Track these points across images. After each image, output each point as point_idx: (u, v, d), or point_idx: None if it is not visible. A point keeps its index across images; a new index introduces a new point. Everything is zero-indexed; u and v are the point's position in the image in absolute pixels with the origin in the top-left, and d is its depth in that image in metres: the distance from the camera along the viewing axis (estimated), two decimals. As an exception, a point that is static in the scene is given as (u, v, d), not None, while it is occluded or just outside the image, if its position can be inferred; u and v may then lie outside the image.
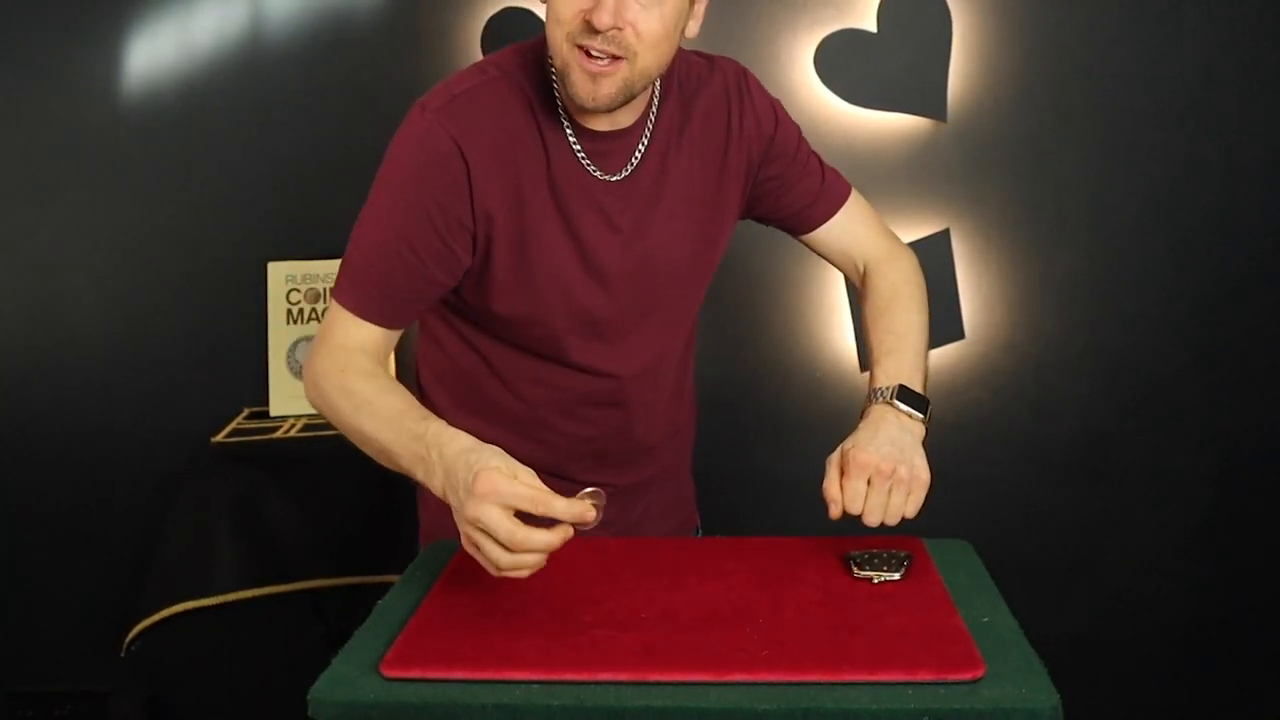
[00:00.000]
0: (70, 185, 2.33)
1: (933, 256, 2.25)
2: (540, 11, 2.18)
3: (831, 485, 1.16)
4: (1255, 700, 2.38)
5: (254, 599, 2.01)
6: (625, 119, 1.26)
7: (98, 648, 2.37)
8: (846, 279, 1.64)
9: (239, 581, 2.00)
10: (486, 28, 2.22)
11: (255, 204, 2.32)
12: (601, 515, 0.99)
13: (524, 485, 0.98)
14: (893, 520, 1.16)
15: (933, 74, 2.20)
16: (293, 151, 2.30)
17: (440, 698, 0.91)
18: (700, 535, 1.61)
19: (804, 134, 1.42)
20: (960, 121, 2.22)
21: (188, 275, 2.34)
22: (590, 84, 1.16)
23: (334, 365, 1.21)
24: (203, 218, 2.33)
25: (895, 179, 2.24)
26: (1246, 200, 2.23)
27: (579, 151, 1.25)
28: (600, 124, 1.25)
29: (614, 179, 1.27)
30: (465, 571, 1.16)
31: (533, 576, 1.13)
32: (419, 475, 1.09)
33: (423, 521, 1.50)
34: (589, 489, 1.01)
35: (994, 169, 2.25)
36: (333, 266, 2.25)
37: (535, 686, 0.91)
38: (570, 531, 0.98)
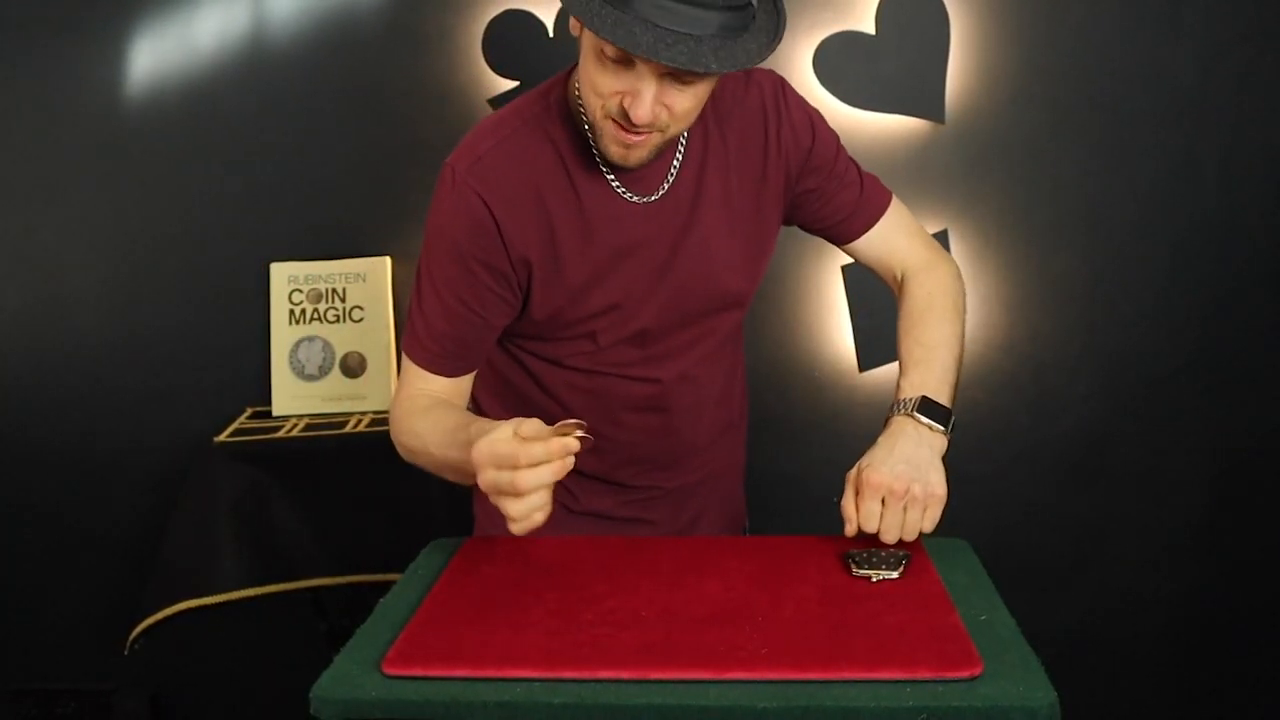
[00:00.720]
0: (75, 186, 2.33)
1: (931, 257, 2.25)
2: (540, 14, 2.21)
3: (848, 504, 1.19)
4: (1251, 698, 2.38)
5: (256, 597, 2.01)
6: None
7: (102, 646, 2.38)
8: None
9: (241, 580, 2.00)
10: (488, 30, 2.22)
11: (258, 205, 2.32)
12: (590, 441, 1.04)
13: (501, 442, 1.03)
14: (910, 537, 1.18)
15: (931, 76, 2.20)
16: (295, 153, 2.30)
17: (441, 695, 0.91)
18: (747, 534, 1.62)
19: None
20: (958, 123, 2.22)
21: (191, 276, 2.34)
22: (623, 149, 1.19)
23: (402, 413, 1.30)
24: (206, 219, 2.33)
25: (893, 180, 2.21)
26: (1243, 201, 2.23)
27: (611, 180, 1.27)
28: None
29: (649, 200, 1.29)
30: (466, 570, 1.16)
31: (534, 575, 1.13)
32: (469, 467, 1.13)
33: (477, 516, 1.52)
34: (567, 421, 1.05)
35: (992, 170, 2.25)
36: (335, 267, 2.28)
37: (536, 684, 0.91)
38: (558, 467, 1.02)
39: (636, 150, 1.19)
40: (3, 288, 2.37)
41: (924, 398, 1.24)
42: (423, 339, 1.30)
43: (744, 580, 1.11)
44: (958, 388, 1.31)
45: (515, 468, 1.01)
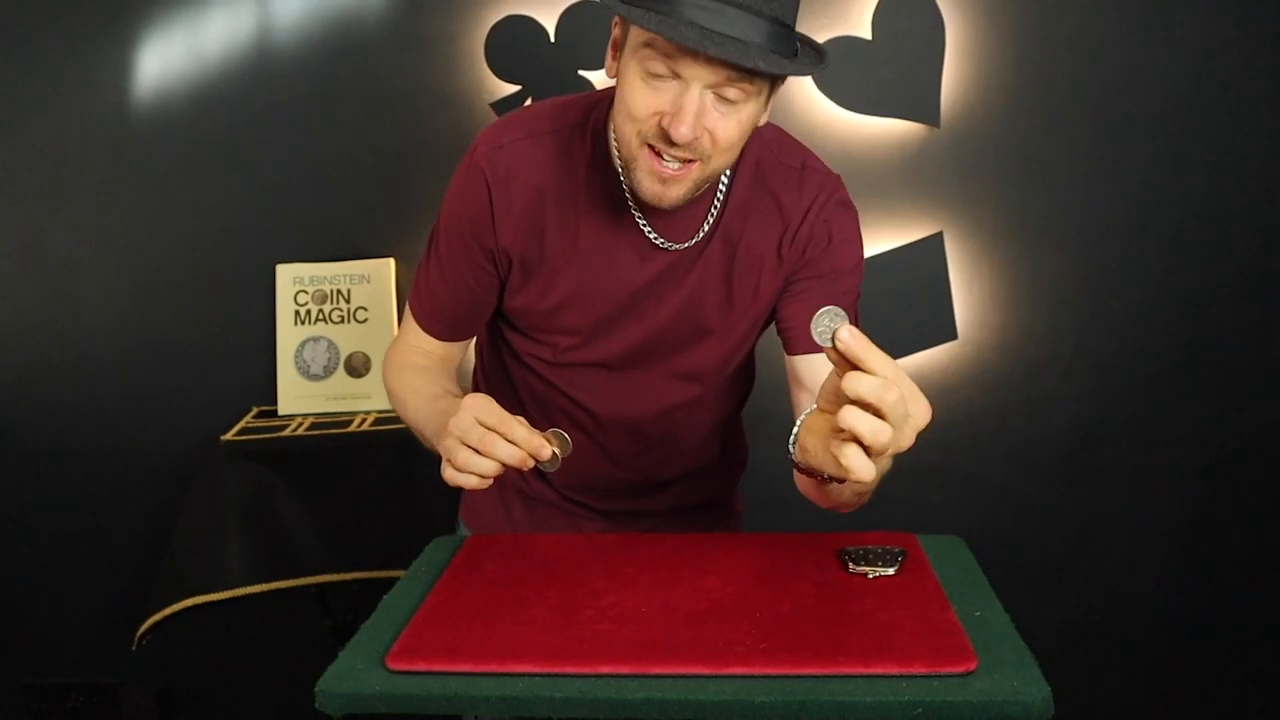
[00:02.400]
0: (84, 189, 2.33)
1: (926, 258, 2.25)
2: (542, 19, 2.20)
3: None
4: (1239, 690, 2.38)
5: (263, 593, 2.01)
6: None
7: (110, 641, 2.38)
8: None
9: (248, 577, 2.00)
10: (490, 35, 2.22)
11: (264, 208, 2.32)
12: (558, 459, 1.09)
13: (496, 405, 1.07)
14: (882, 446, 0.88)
15: (926, 81, 2.20)
16: (300, 156, 2.30)
17: (444, 690, 0.91)
18: None
19: (805, 145, 1.33)
20: (953, 127, 2.22)
21: (198, 278, 2.34)
22: (659, 186, 1.12)
23: (397, 358, 1.37)
24: (213, 222, 2.33)
25: (890, 183, 2.24)
26: (1232, 204, 2.23)
27: (640, 222, 1.23)
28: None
29: (674, 248, 1.24)
30: (468, 567, 1.16)
31: (535, 571, 1.13)
32: (438, 442, 1.15)
33: (462, 518, 1.53)
34: (553, 430, 1.09)
35: (986, 173, 2.24)
36: (339, 269, 2.27)
37: (537, 679, 0.91)
38: (523, 455, 1.06)
39: (673, 186, 1.12)
40: (15, 289, 2.37)
41: None
42: (424, 299, 1.34)
43: (742, 576, 1.11)
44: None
45: (495, 430, 1.05)
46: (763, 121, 1.17)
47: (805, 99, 2.20)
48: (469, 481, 1.07)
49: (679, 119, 1.06)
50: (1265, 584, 2.33)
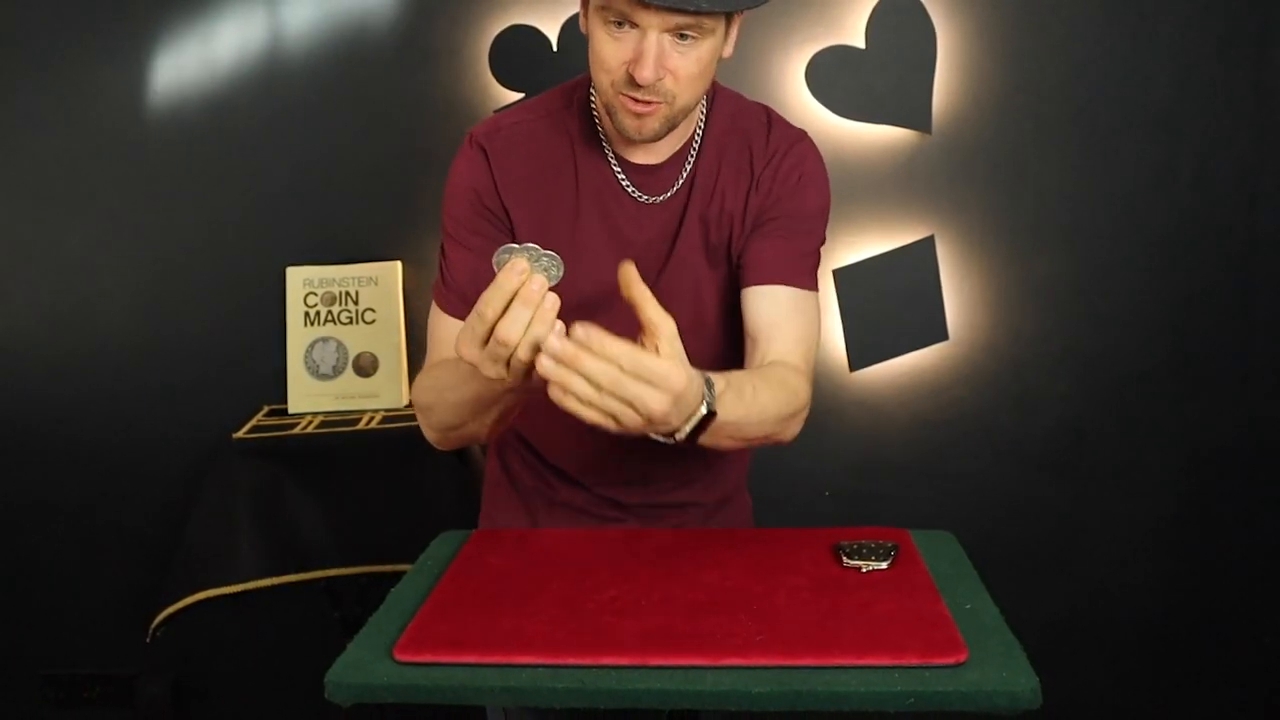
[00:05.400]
0: (100, 194, 2.33)
1: (918, 261, 2.25)
2: (545, 29, 2.20)
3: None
4: (1222, 681, 2.38)
5: (273, 587, 2.01)
6: (666, 149, 1.29)
7: (125, 633, 2.38)
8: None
9: (259, 570, 2.00)
10: (494, 45, 2.22)
11: (274, 212, 2.32)
12: (554, 273, 0.97)
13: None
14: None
15: (918, 88, 2.20)
16: (310, 162, 2.30)
17: (450, 681, 0.91)
18: None
19: None
20: (944, 133, 2.22)
21: (211, 279, 2.34)
22: (636, 120, 1.19)
23: (419, 385, 1.26)
24: (225, 225, 2.33)
25: (882, 188, 2.24)
26: (1215, 208, 2.23)
27: (622, 179, 1.29)
28: (643, 157, 1.29)
29: (656, 200, 1.30)
30: (474, 561, 1.16)
31: (539, 565, 1.13)
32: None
33: (483, 509, 1.51)
34: (537, 249, 0.97)
35: (976, 178, 2.24)
36: (348, 271, 2.28)
37: (541, 670, 0.91)
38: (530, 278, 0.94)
39: (649, 120, 1.18)
40: (31, 291, 2.37)
41: (710, 377, 1.03)
42: (450, 285, 1.29)
43: (740, 570, 1.11)
44: (740, 436, 1.11)
45: (493, 316, 0.95)
46: (727, 53, 1.22)
47: (800, 106, 2.20)
48: (502, 373, 0.97)
49: (641, 64, 1.13)
50: (1247, 578, 2.33)
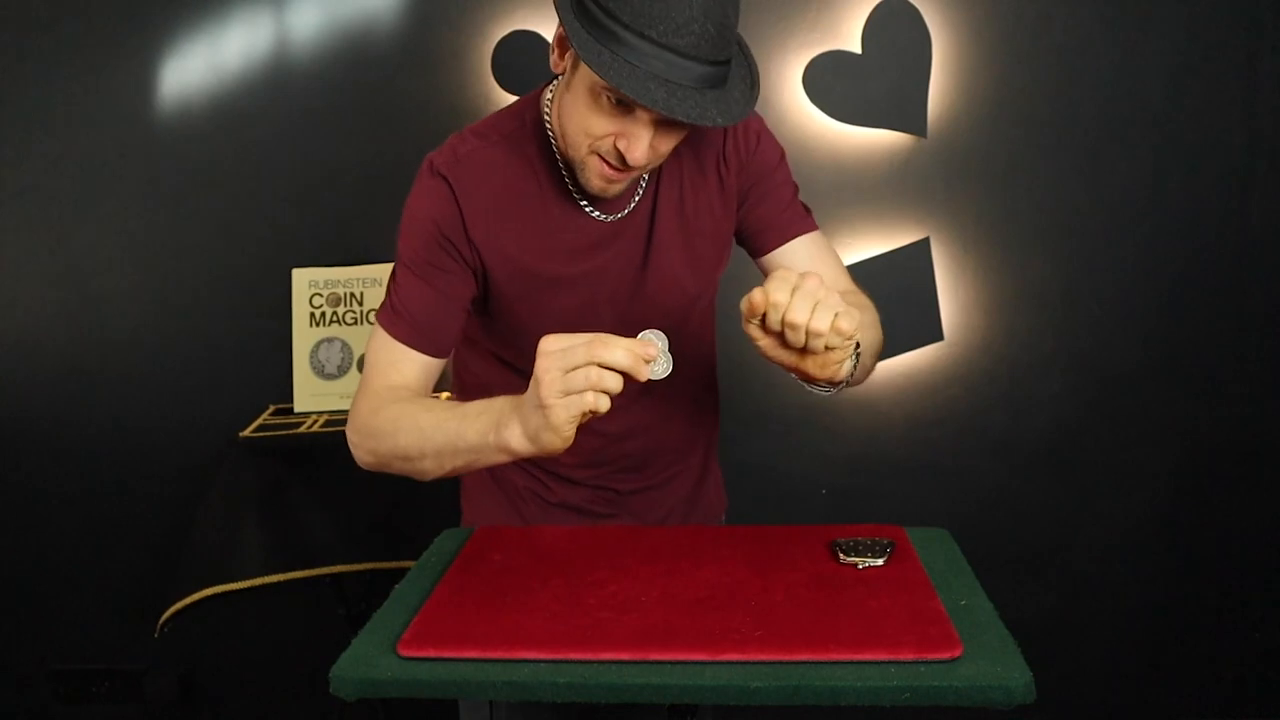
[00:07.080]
0: (108, 196, 2.33)
1: (913, 263, 2.25)
2: (546, 34, 2.20)
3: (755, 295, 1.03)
4: (1210, 674, 2.38)
5: (279, 583, 2.01)
6: None
7: (133, 629, 2.38)
8: None
9: (265, 567, 2.00)
10: (496, 50, 2.22)
11: (280, 214, 2.32)
12: (666, 362, 1.01)
13: (567, 337, 0.97)
14: (824, 326, 1.01)
15: (913, 93, 2.20)
16: (315, 165, 2.30)
17: (453, 676, 0.91)
18: (724, 523, 1.59)
19: (793, 151, 1.40)
20: (939, 137, 2.22)
21: (218, 281, 2.34)
22: (604, 183, 1.19)
23: (365, 404, 1.23)
24: (231, 227, 2.33)
25: (878, 191, 2.24)
26: (1205, 211, 2.23)
27: (584, 203, 1.28)
28: None
29: (615, 218, 1.29)
30: (476, 558, 1.16)
31: (540, 562, 1.13)
32: (493, 435, 1.05)
33: (465, 513, 1.51)
34: (650, 331, 1.02)
35: (971, 182, 2.25)
36: (353, 273, 2.27)
37: (542, 665, 0.91)
38: (636, 359, 0.95)
39: (618, 184, 1.19)
40: (42, 291, 2.37)
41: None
42: (400, 313, 1.25)
43: (738, 567, 1.11)
44: (872, 355, 1.23)
45: (589, 363, 0.95)
46: None
47: (798, 111, 2.20)
48: (602, 404, 0.96)
49: (633, 148, 1.13)
50: (1236, 574, 2.33)
